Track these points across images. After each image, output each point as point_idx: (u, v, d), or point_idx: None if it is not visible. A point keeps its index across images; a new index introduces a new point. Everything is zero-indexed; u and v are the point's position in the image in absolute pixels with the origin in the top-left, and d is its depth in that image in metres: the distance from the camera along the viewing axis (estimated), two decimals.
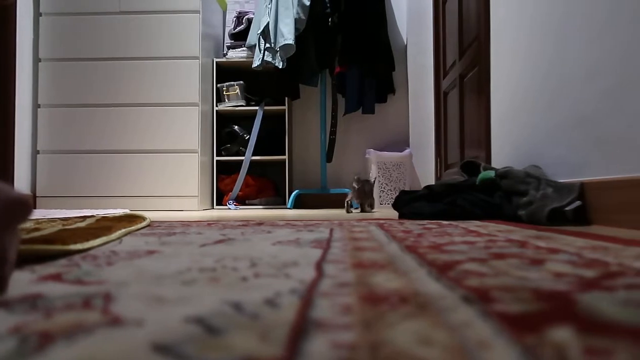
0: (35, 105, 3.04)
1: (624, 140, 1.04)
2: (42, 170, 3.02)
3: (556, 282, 0.42)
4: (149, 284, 0.44)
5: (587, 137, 1.20)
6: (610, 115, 1.09)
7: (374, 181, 2.68)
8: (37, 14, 3.04)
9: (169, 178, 2.99)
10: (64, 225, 1.16)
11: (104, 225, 1.07)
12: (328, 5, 3.22)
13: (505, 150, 1.78)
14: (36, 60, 3.04)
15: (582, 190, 1.20)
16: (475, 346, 0.25)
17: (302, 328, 0.28)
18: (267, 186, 3.47)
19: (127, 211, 2.23)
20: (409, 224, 1.26)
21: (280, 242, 0.83)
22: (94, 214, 1.74)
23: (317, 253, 0.67)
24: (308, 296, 0.38)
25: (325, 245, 0.76)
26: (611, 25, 1.08)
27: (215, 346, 0.25)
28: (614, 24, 1.07)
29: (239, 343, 0.26)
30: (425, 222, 1.37)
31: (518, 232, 0.95)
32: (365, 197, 2.39)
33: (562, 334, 0.26)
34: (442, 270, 0.50)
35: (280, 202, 3.43)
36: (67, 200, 2.99)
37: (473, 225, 1.19)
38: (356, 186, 2.34)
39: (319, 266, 0.54)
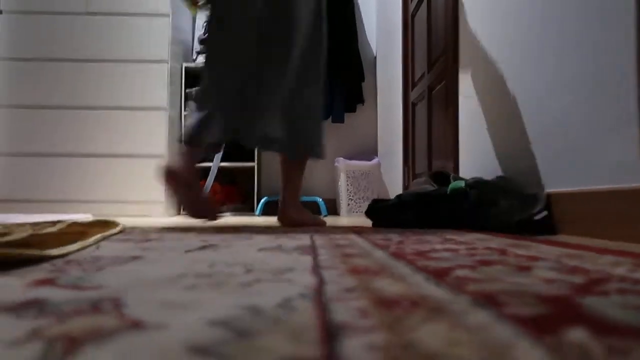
0: None
1: (589, 152, 1.10)
2: (0, 174, 2.89)
3: (550, 287, 0.44)
4: (150, 289, 0.44)
5: (554, 149, 1.26)
6: (577, 128, 1.15)
7: None
8: None
9: (134, 183, 2.92)
10: (34, 229, 1.11)
11: (77, 230, 1.04)
12: None
13: (473, 160, 1.84)
14: None
15: (548, 200, 1.25)
16: (502, 346, 0.26)
17: (329, 330, 0.29)
18: (234, 193, 3.44)
19: (90, 216, 2.16)
20: (385, 232, 1.28)
21: (264, 248, 0.83)
22: (62, 219, 1.67)
23: (307, 259, 0.67)
24: (319, 300, 0.38)
25: (312, 252, 0.77)
26: (582, 37, 1.14)
27: (253, 348, 0.25)
28: (584, 37, 1.12)
29: (276, 345, 0.26)
30: (399, 230, 1.39)
31: (494, 241, 0.98)
32: None
33: (580, 335, 0.28)
34: (437, 276, 0.51)
35: (247, 209, 3.40)
36: (27, 204, 2.87)
37: (447, 233, 1.22)
38: None
39: (317, 272, 0.54)
